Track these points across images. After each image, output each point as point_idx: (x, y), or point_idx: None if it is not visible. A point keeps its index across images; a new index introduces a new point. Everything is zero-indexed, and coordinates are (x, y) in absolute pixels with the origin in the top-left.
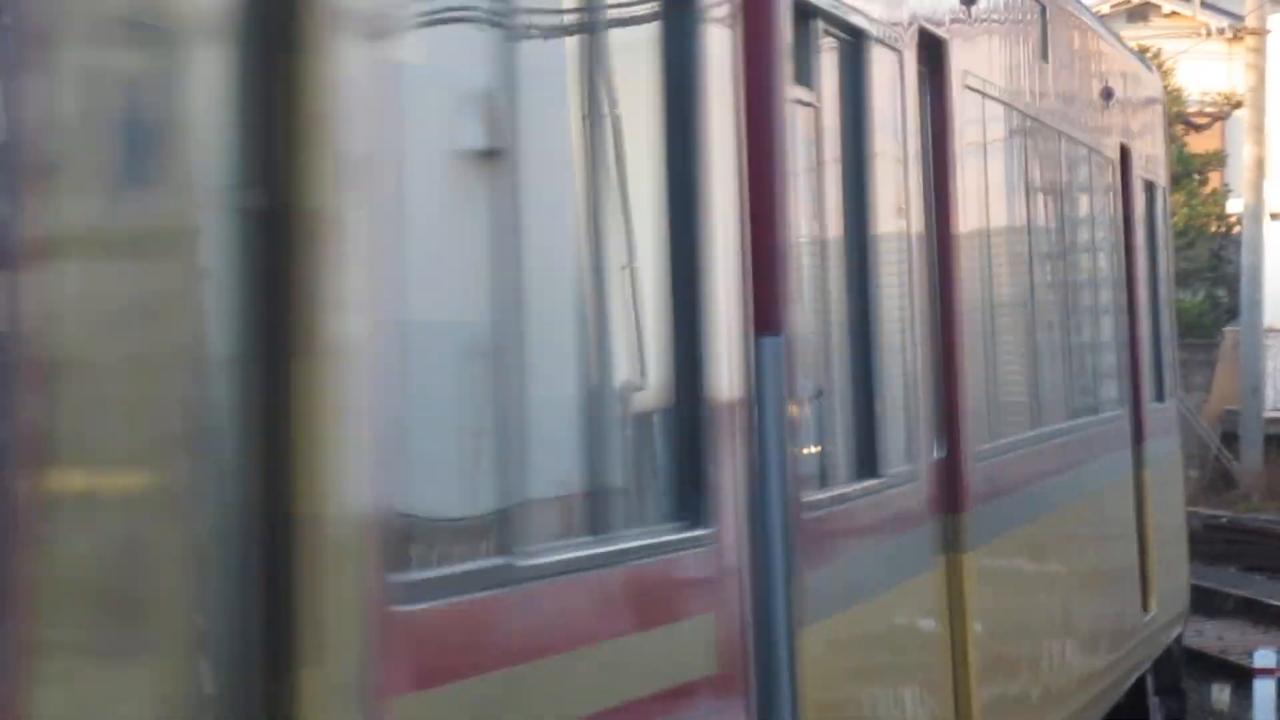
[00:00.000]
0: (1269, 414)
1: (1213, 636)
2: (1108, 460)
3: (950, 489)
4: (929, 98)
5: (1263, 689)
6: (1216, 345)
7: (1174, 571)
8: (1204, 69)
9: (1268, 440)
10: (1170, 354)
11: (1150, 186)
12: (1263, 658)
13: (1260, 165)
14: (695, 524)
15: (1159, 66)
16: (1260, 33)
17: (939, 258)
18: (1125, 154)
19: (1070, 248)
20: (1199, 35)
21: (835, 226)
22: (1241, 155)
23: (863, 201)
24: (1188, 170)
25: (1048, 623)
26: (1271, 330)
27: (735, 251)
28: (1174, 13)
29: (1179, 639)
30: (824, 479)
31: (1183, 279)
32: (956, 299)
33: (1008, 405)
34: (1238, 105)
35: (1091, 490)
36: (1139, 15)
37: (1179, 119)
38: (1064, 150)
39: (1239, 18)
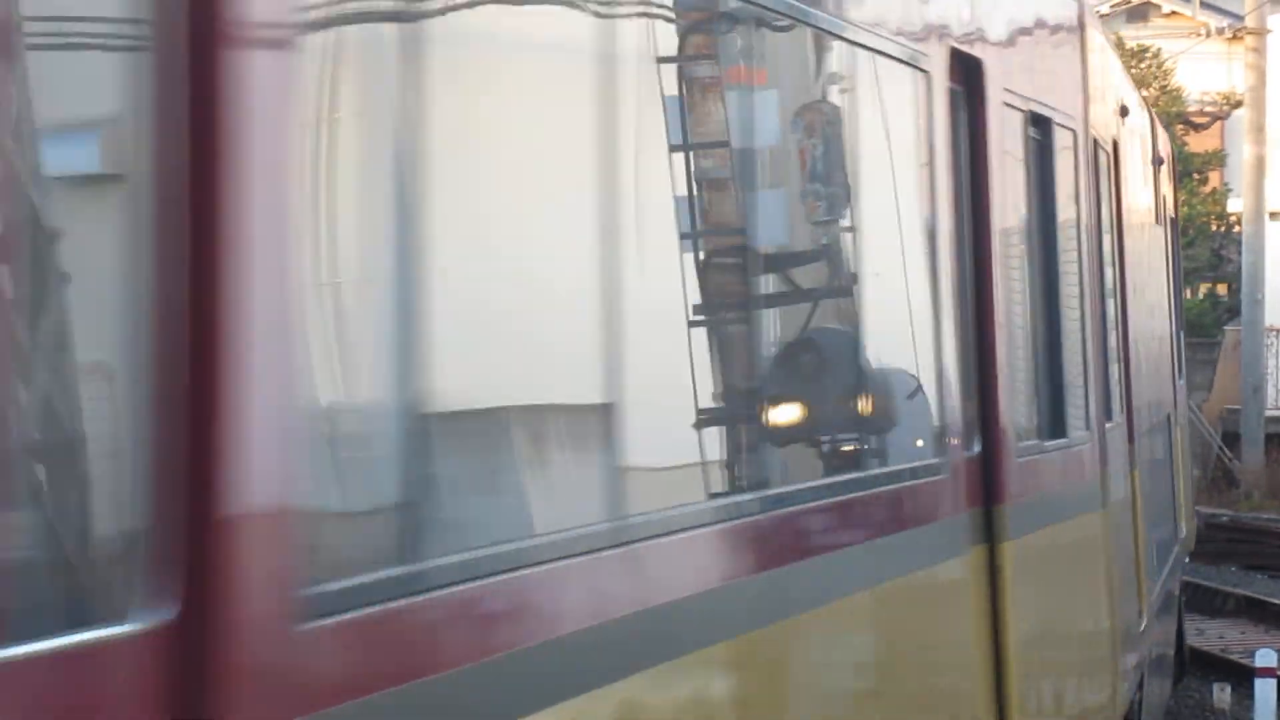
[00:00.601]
0: (1270, 413)
1: (1213, 636)
2: (877, 549)
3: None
4: None
5: (1263, 688)
6: (1218, 344)
7: (1091, 683)
8: (1204, 69)
9: (1269, 439)
10: (1099, 366)
11: (1040, 122)
12: (1264, 657)
13: (1260, 164)
14: None
15: (1159, 66)
16: (1260, 32)
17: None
18: (972, 68)
19: (784, 205)
20: (1199, 35)
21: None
22: (1241, 155)
23: None
24: (1188, 169)
25: None
26: (1272, 329)
27: None
28: (1174, 12)
29: None
30: None
31: (1183, 277)
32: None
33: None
34: (1237, 105)
35: (778, 619)
36: (1139, 15)
37: (1179, 119)
38: (780, 43)
39: (1239, 17)
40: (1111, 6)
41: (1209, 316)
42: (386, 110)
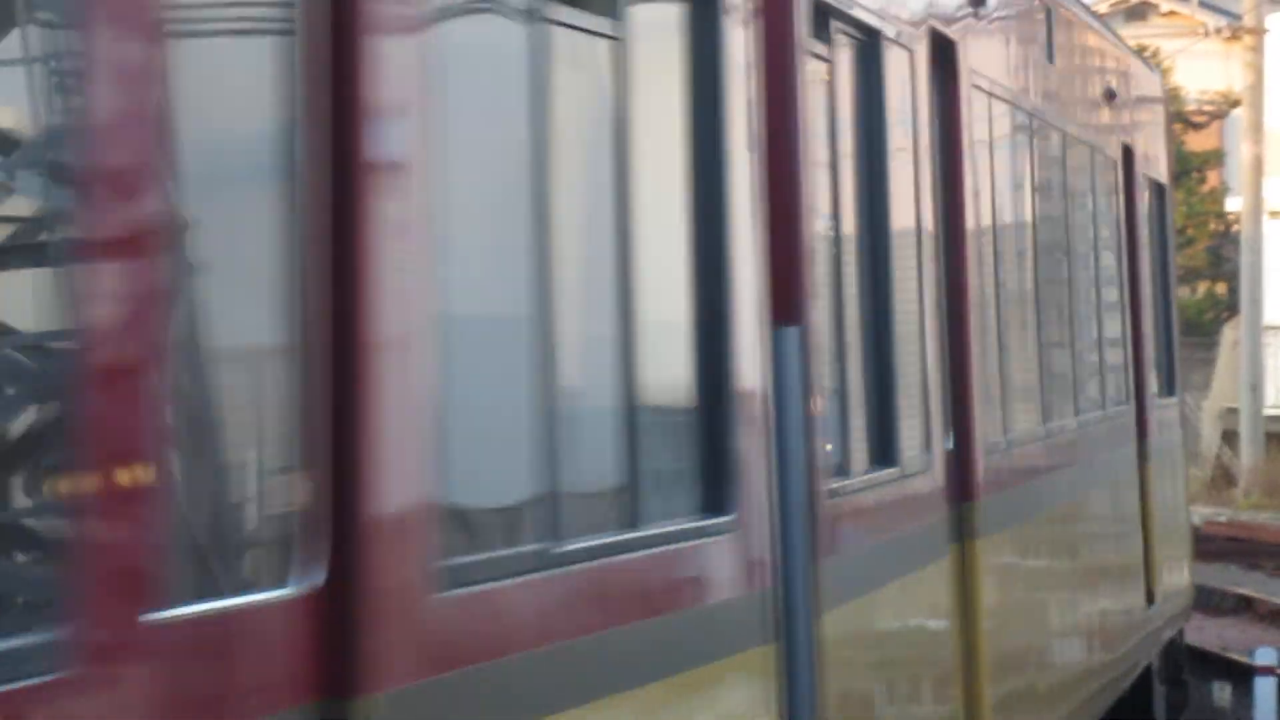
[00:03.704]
0: (1269, 411)
1: (1213, 634)
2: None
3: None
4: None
5: (1263, 687)
6: (1216, 343)
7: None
8: (1202, 68)
9: (1268, 438)
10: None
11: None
12: (1263, 655)
13: (1259, 164)
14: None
15: (1158, 65)
16: (1258, 31)
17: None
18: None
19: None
20: (1197, 34)
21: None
22: (1240, 154)
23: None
24: (1186, 168)
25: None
26: (1271, 328)
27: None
28: (1172, 11)
29: (1181, 631)
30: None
31: (1182, 276)
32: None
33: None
34: (1236, 104)
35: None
36: (1137, 14)
37: (1178, 118)
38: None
39: (1237, 16)
40: (1110, 5)
41: (1208, 315)
42: None
